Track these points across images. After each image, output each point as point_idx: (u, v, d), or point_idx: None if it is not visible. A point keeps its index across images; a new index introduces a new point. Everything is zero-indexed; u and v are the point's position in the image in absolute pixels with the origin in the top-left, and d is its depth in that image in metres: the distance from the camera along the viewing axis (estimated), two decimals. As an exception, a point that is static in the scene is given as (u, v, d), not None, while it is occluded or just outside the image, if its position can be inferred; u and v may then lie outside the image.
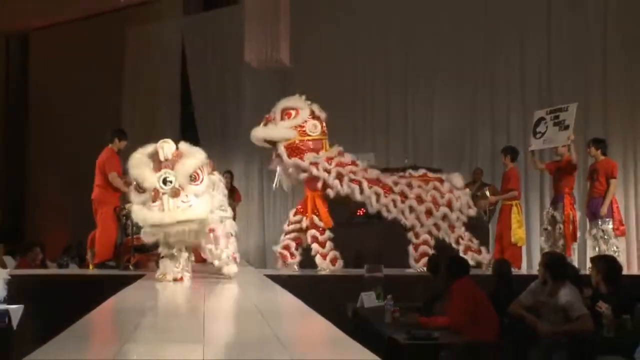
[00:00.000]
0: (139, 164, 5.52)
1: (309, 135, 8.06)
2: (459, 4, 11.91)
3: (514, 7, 11.63)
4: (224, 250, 6.06)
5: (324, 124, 8.23)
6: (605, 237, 8.38)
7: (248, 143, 8.51)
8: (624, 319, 5.20)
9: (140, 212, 5.51)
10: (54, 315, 6.20)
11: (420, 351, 5.00)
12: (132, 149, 8.27)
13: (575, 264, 8.21)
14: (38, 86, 18.35)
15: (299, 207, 8.45)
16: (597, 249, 8.37)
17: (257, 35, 10.24)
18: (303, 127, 8.03)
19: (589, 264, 7.06)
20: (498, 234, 9.00)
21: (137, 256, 8.06)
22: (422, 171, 8.55)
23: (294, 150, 7.97)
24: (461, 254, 8.09)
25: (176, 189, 5.36)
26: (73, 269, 10.72)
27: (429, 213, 8.14)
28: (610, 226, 8.39)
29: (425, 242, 8.17)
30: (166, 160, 5.46)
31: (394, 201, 8.09)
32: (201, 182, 5.58)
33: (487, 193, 9.49)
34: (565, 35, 11.11)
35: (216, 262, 6.09)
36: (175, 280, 5.78)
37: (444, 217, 8.20)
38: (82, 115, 15.54)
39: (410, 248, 8.20)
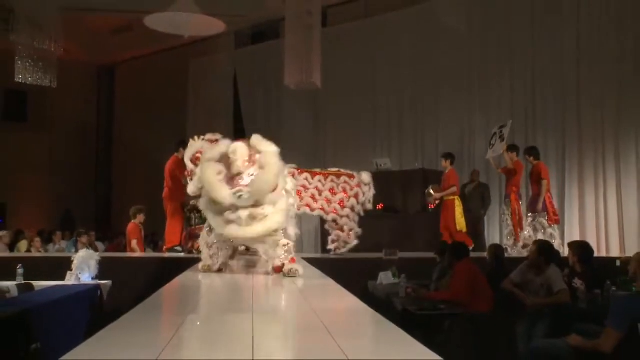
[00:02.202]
0: (211, 178, 4.14)
1: None
2: (458, 37, 11.83)
3: (502, 38, 11.53)
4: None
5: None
6: (542, 228, 8.37)
7: (286, 150, 8.51)
8: (596, 293, 5.14)
9: (216, 222, 4.18)
10: (135, 289, 6.29)
11: (428, 320, 4.99)
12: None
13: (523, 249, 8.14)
14: (122, 107, 18.70)
15: None
16: (534, 237, 8.26)
17: (294, 63, 10.27)
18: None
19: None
20: (444, 224, 8.73)
21: (198, 242, 8.10)
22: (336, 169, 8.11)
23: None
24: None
25: (254, 214, 4.04)
26: (149, 253, 10.85)
27: (342, 203, 7.73)
28: (545, 219, 8.36)
29: (340, 229, 7.78)
30: (239, 173, 4.14)
31: (312, 196, 7.58)
32: (275, 189, 4.19)
33: (432, 191, 9.11)
34: (546, 60, 10.97)
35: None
36: (219, 270, 4.55)
37: (352, 207, 7.80)
38: (155, 130, 15.77)
39: (330, 236, 7.77)
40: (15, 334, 3.78)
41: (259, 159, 4.18)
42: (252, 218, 4.03)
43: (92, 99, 18.74)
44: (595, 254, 6.13)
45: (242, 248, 5.47)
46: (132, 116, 17.67)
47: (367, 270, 7.02)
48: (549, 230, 8.37)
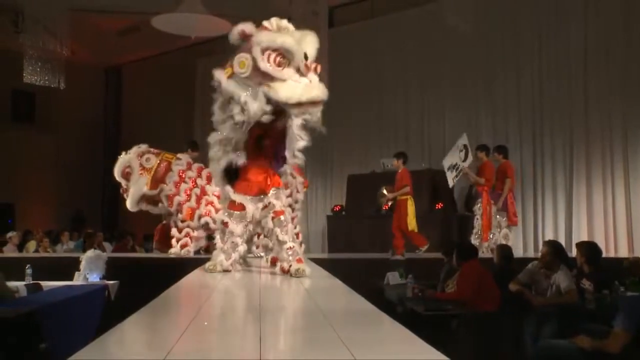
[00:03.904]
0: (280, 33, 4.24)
1: (149, 169, 7.81)
2: (464, 37, 11.80)
3: (509, 38, 11.49)
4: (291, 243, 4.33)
5: (151, 152, 7.96)
6: (499, 226, 8.41)
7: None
8: (604, 294, 5.12)
9: (290, 88, 4.04)
10: (142, 289, 6.31)
11: (435, 321, 4.98)
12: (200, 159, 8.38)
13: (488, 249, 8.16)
14: (129, 108, 18.76)
15: None
16: (495, 235, 8.43)
17: (300, 64, 10.26)
18: (144, 168, 7.83)
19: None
20: (396, 224, 8.49)
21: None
22: None
23: (155, 184, 7.78)
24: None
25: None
26: (157, 253, 10.88)
27: None
28: (504, 218, 8.38)
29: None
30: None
31: None
32: None
33: (385, 192, 8.88)
34: (553, 59, 10.92)
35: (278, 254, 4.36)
36: (225, 271, 4.41)
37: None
38: (163, 129, 15.81)
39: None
40: (24, 334, 3.81)
41: None
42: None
43: (100, 100, 18.81)
44: (604, 254, 6.10)
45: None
46: (139, 117, 17.73)
47: (374, 270, 7.01)
48: (505, 230, 8.43)
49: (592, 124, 10.34)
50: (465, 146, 8.75)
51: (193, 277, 4.44)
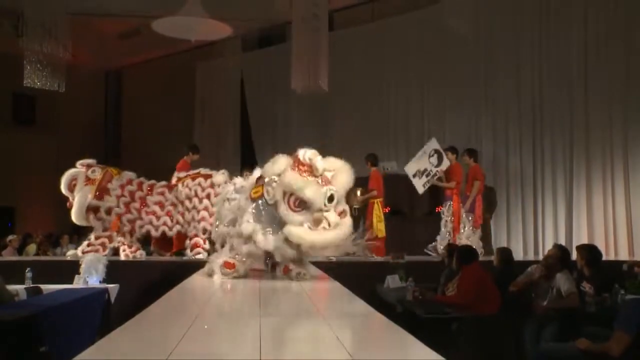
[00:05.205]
0: (304, 179, 3.80)
1: (94, 180, 7.93)
2: (464, 40, 11.82)
3: (509, 39, 11.51)
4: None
5: (97, 165, 8.14)
6: (470, 227, 8.40)
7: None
8: (604, 296, 5.12)
9: (302, 232, 3.78)
10: (142, 292, 6.31)
11: (435, 323, 4.98)
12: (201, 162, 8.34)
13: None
14: (129, 110, 18.78)
15: None
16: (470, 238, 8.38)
17: (301, 66, 10.28)
18: (89, 179, 7.93)
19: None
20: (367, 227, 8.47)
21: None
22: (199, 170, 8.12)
23: (100, 195, 7.90)
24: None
25: (343, 209, 3.86)
26: (156, 256, 10.87)
27: (195, 209, 7.73)
28: (470, 218, 8.41)
29: (195, 235, 7.76)
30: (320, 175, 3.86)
31: (168, 212, 7.90)
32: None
33: (359, 193, 8.80)
34: (553, 61, 10.95)
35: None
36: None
37: (206, 208, 7.67)
38: (162, 132, 15.84)
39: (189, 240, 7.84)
40: (24, 337, 3.80)
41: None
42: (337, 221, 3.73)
43: (100, 103, 18.85)
44: (604, 257, 6.10)
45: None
46: (140, 120, 17.76)
47: (374, 273, 7.00)
48: (468, 231, 8.39)
49: (592, 124, 10.36)
50: (437, 151, 8.59)
51: (193, 280, 4.43)
